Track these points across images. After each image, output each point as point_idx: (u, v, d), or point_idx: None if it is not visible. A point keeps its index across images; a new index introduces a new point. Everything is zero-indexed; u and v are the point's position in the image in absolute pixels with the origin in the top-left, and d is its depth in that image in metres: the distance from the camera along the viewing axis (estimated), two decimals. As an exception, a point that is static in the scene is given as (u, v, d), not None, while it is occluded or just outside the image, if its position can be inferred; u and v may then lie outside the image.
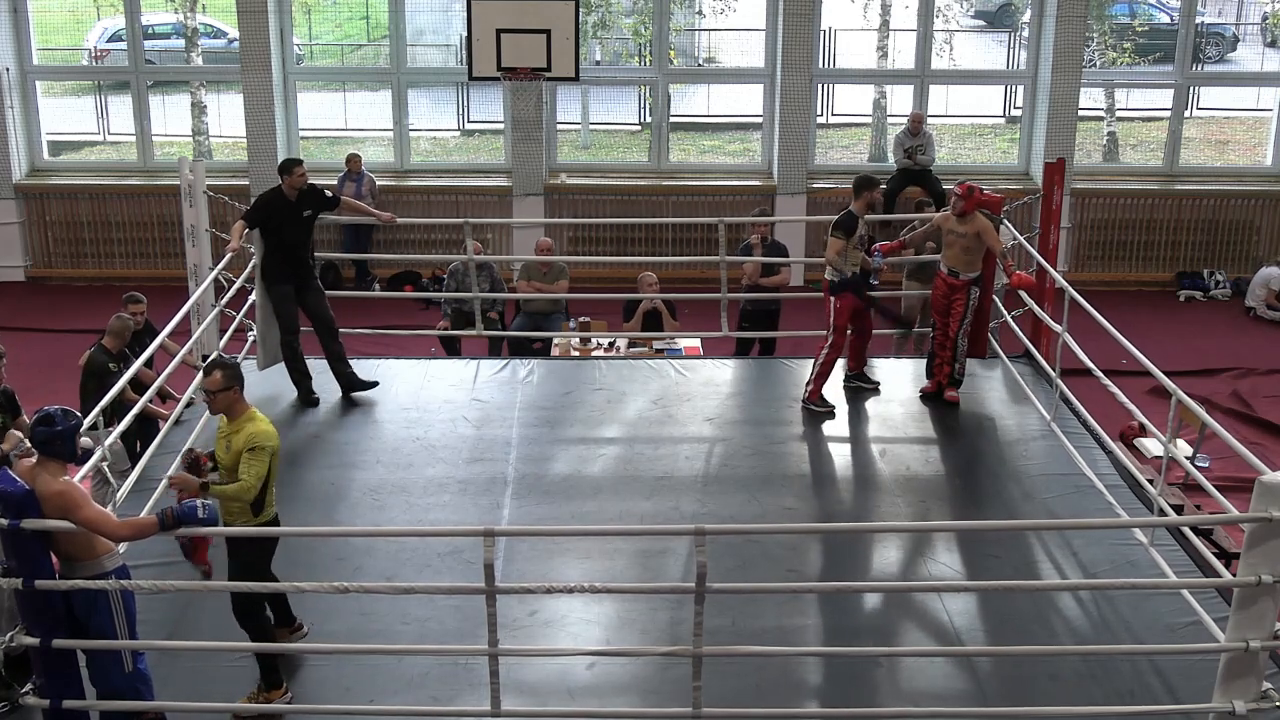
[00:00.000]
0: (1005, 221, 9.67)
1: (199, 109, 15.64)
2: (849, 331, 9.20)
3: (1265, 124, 16.17)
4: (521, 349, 10.93)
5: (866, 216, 9.09)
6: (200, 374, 6.10)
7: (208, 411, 8.80)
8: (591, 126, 16.49)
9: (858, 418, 9.22)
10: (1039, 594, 6.99)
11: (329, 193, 9.46)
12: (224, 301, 9.67)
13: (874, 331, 9.56)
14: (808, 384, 9.21)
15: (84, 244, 15.02)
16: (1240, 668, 5.67)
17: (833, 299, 9.01)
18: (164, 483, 5.77)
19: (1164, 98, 15.66)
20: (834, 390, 9.34)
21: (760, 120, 15.36)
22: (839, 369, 9.39)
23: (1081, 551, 7.36)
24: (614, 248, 14.82)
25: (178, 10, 15.63)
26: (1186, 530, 7.39)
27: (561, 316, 11.52)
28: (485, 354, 10.99)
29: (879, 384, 9.59)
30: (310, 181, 9.13)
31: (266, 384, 9.31)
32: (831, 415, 9.12)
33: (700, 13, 16.51)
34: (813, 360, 9.26)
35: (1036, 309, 9.57)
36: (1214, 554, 7.55)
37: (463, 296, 10.94)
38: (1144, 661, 6.37)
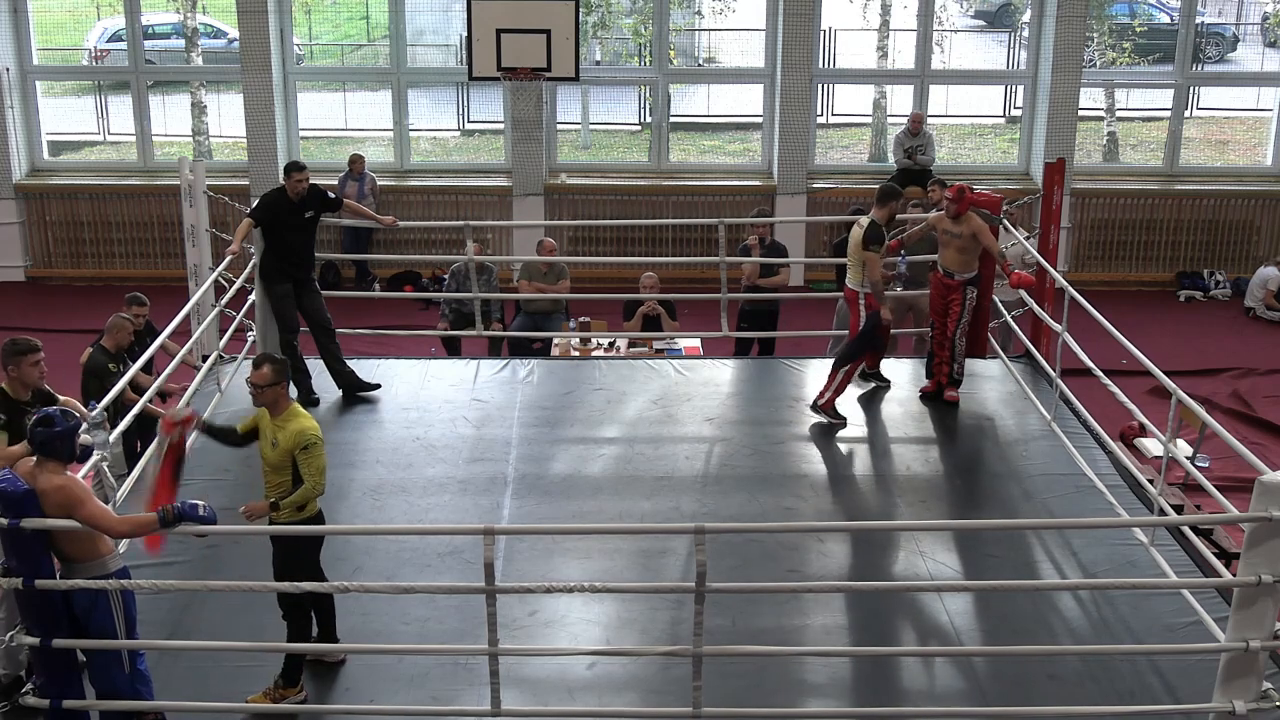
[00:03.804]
0: (1006, 222, 9.66)
1: (199, 109, 15.65)
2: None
3: (1265, 124, 16.18)
4: (521, 349, 10.94)
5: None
6: (250, 368, 6.11)
7: (207, 409, 8.83)
8: (591, 126, 16.49)
9: (858, 417, 9.21)
10: (1039, 594, 6.99)
11: (331, 194, 9.49)
12: (224, 302, 9.68)
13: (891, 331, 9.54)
14: (824, 390, 9.04)
15: (84, 244, 15.02)
16: (1240, 668, 5.67)
17: (863, 309, 8.93)
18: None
19: (1164, 98, 15.67)
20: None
21: (760, 120, 15.37)
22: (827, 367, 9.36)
23: (1081, 551, 7.36)
24: (614, 248, 14.83)
25: (178, 10, 15.64)
26: (1186, 530, 7.39)
27: (562, 316, 11.52)
28: (485, 354, 11.00)
29: (890, 381, 9.60)
30: (312, 183, 9.14)
31: (266, 384, 9.30)
32: (844, 425, 9.04)
33: (700, 13, 16.52)
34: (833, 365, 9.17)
35: (1036, 309, 9.57)
36: (1214, 554, 7.55)
37: (463, 297, 10.94)
38: (1144, 661, 6.37)
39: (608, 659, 6.35)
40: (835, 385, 9.00)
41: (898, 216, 9.12)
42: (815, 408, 9.06)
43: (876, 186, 9.12)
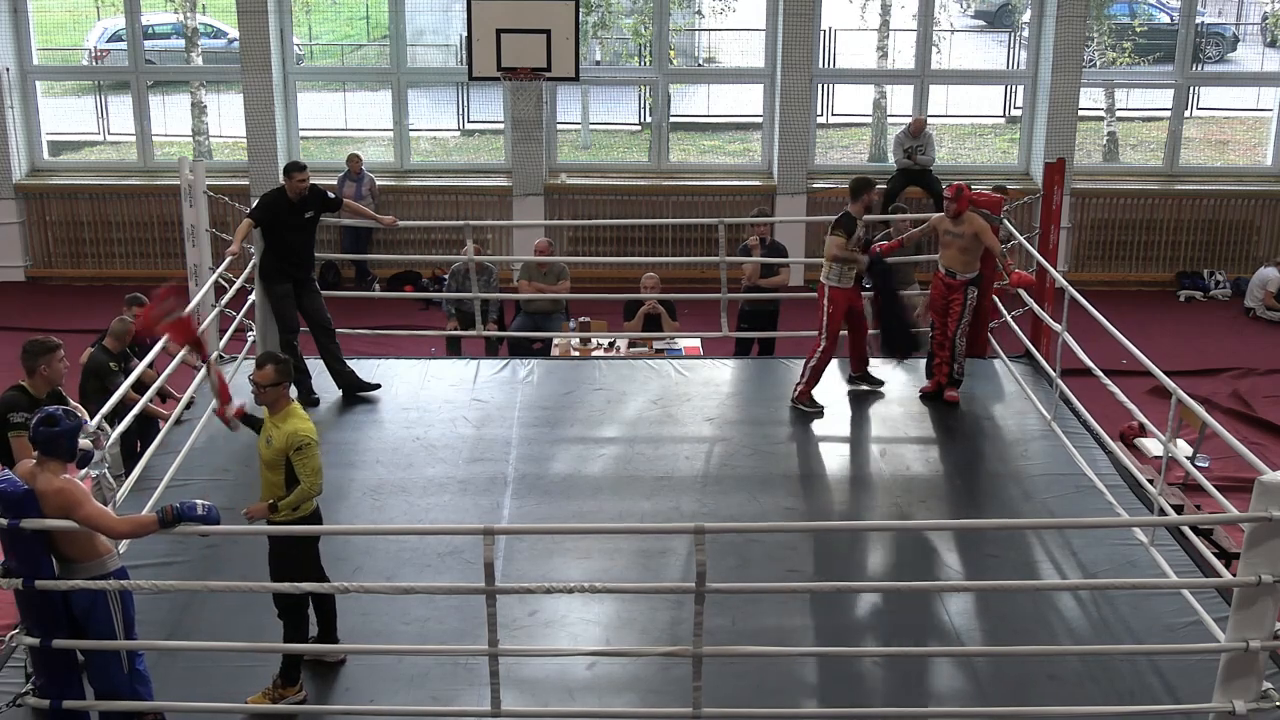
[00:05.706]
0: (1006, 221, 9.67)
1: (199, 109, 15.65)
2: (844, 332, 9.18)
3: (1265, 124, 16.18)
4: (521, 349, 10.93)
5: (864, 218, 9.07)
6: (253, 367, 6.14)
7: (210, 411, 8.82)
8: (591, 126, 16.49)
9: (857, 418, 9.22)
10: (1039, 594, 6.99)
11: (331, 194, 9.49)
12: (224, 301, 9.68)
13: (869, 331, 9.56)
14: (797, 385, 9.21)
15: (84, 244, 15.02)
16: (1240, 668, 5.67)
17: (826, 301, 8.98)
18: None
19: (1164, 98, 15.67)
20: (833, 390, 9.32)
21: (760, 120, 15.37)
22: (835, 368, 9.37)
23: (1081, 551, 7.36)
24: (614, 248, 14.83)
25: (178, 10, 15.63)
26: (1186, 530, 7.39)
27: (562, 316, 11.52)
28: (484, 354, 10.99)
29: (883, 383, 9.58)
30: (312, 183, 9.14)
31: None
32: (820, 415, 9.11)
33: (700, 13, 16.52)
34: (804, 361, 9.25)
35: (1036, 309, 9.57)
36: (1214, 554, 7.55)
37: (463, 297, 10.94)
38: (1144, 661, 6.37)
39: (608, 659, 6.35)
40: (806, 378, 9.13)
41: (898, 216, 9.15)
42: (794, 401, 9.19)
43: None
